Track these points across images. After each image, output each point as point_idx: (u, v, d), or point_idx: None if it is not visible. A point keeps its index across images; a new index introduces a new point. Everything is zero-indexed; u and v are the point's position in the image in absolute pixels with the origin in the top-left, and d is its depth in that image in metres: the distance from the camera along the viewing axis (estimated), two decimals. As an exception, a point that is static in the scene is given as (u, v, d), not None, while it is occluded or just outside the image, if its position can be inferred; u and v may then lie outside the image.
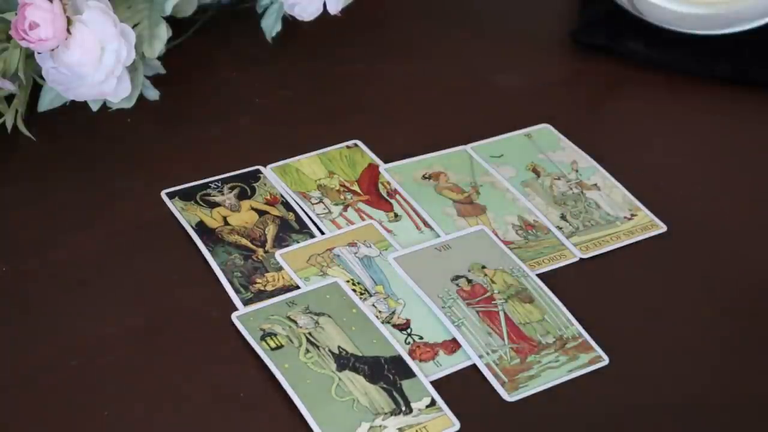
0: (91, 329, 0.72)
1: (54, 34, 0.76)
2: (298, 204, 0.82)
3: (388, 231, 0.80)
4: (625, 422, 0.69)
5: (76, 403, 0.68)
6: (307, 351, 0.70)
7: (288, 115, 0.92)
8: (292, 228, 0.80)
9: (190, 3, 0.93)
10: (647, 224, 0.83)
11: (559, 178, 0.86)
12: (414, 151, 0.88)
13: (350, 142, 0.88)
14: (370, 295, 0.75)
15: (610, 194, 0.85)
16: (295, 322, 0.72)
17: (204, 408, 0.68)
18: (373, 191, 0.84)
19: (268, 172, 0.85)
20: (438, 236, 0.80)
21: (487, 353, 0.72)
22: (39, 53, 0.79)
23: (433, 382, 0.70)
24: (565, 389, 0.71)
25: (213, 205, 0.81)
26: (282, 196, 0.83)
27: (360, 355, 0.70)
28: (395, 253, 0.78)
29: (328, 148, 0.88)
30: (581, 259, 0.80)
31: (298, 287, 0.75)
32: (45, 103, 0.85)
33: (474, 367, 0.71)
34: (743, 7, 0.94)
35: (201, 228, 0.79)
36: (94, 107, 0.86)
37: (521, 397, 0.70)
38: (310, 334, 0.71)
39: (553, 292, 0.76)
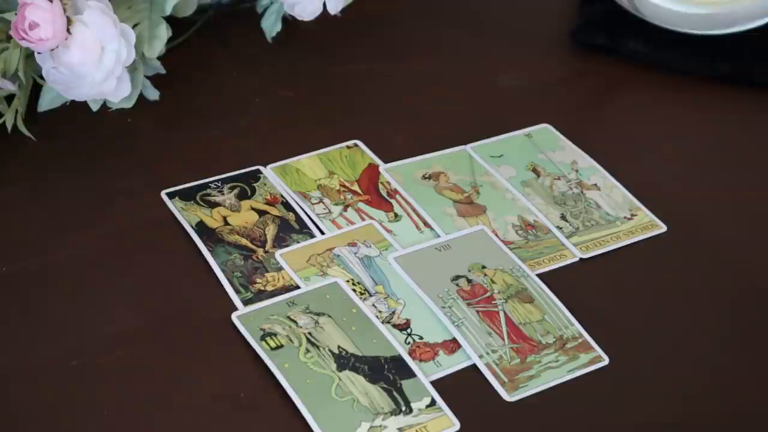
0: (91, 329, 0.72)
1: (54, 34, 0.76)
2: (298, 204, 0.82)
3: (388, 231, 0.80)
4: (625, 422, 0.69)
5: (76, 403, 0.68)
6: (307, 351, 0.70)
7: (288, 115, 0.92)
8: (292, 228, 0.80)
9: (190, 3, 0.93)
10: (647, 224, 0.83)
11: (559, 178, 0.86)
12: (414, 151, 0.88)
13: (350, 142, 0.88)
14: (370, 295, 0.75)
15: (610, 194, 0.85)
16: (295, 322, 0.72)
17: (204, 408, 0.68)
18: (373, 191, 0.84)
19: (268, 172, 0.85)
20: (438, 236, 0.80)
21: (487, 353, 0.72)
22: (39, 53, 0.79)
23: (433, 382, 0.70)
24: (565, 389, 0.71)
25: (213, 205, 0.81)
26: (282, 196, 0.83)
27: (360, 355, 0.70)
28: (395, 253, 0.78)
29: (328, 148, 0.88)
30: (581, 259, 0.80)
31: (298, 287, 0.75)
32: (45, 103, 0.85)
33: (474, 367, 0.71)
34: (743, 7, 0.94)
35: (201, 228, 0.79)
36: (94, 107, 0.86)
37: (521, 397, 0.70)
38: (310, 333, 0.71)
39: (553, 292, 0.76)
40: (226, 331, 0.72)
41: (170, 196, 0.82)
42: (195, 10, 0.94)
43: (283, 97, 0.94)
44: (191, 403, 0.68)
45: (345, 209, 0.82)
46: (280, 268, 0.77)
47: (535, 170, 0.87)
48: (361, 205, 0.83)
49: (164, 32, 0.87)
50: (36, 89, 0.85)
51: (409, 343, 0.72)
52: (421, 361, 0.71)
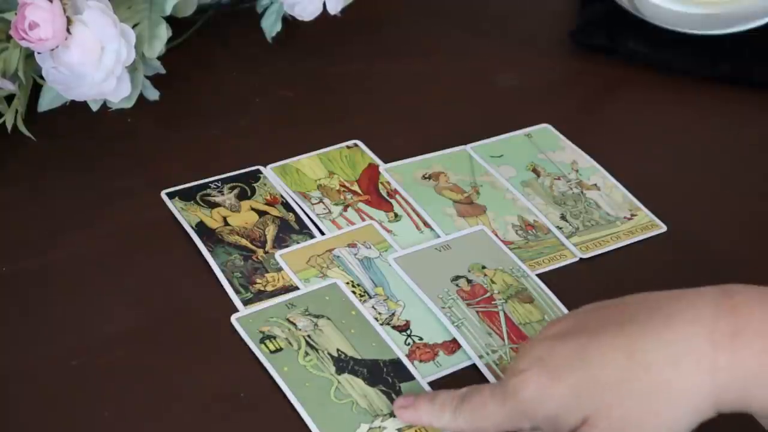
0: (91, 329, 0.72)
1: (54, 34, 0.76)
2: (297, 204, 0.82)
3: (388, 231, 0.80)
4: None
5: (76, 403, 0.68)
6: (306, 354, 0.70)
7: (288, 115, 0.92)
8: (292, 228, 0.80)
9: (190, 3, 0.93)
10: (647, 224, 0.83)
11: (559, 178, 0.87)
12: (414, 151, 0.88)
13: (350, 142, 0.88)
14: (370, 297, 0.75)
15: (610, 194, 0.86)
16: (294, 324, 0.72)
17: (204, 408, 0.68)
18: (373, 191, 0.84)
19: (268, 172, 0.85)
20: (438, 236, 0.80)
21: (487, 353, 0.72)
22: (39, 53, 0.79)
23: (433, 383, 0.70)
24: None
25: (213, 205, 0.81)
26: (282, 196, 0.83)
27: (359, 358, 0.70)
28: (395, 253, 0.78)
29: (328, 148, 0.88)
30: (581, 259, 0.80)
31: (297, 288, 0.75)
32: (45, 103, 0.85)
33: (474, 367, 0.71)
34: (743, 7, 0.94)
35: (201, 228, 0.79)
36: (94, 107, 0.86)
37: (521, 398, 0.70)
38: (309, 336, 0.71)
39: (553, 292, 0.76)
40: (226, 331, 0.72)
41: (170, 196, 0.82)
42: (195, 10, 0.94)
43: (283, 97, 0.94)
44: (191, 403, 0.68)
45: (345, 209, 0.82)
46: (280, 269, 0.77)
47: (535, 170, 0.87)
48: (361, 205, 0.83)
49: (164, 32, 0.87)
50: (36, 89, 0.85)
51: (409, 344, 0.72)
52: (420, 361, 0.71)
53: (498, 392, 0.61)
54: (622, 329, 0.58)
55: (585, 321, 0.60)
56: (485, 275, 0.77)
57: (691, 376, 0.55)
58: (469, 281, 0.76)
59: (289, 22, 0.98)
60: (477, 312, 0.74)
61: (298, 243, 0.79)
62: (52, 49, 0.78)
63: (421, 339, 0.72)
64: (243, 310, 0.73)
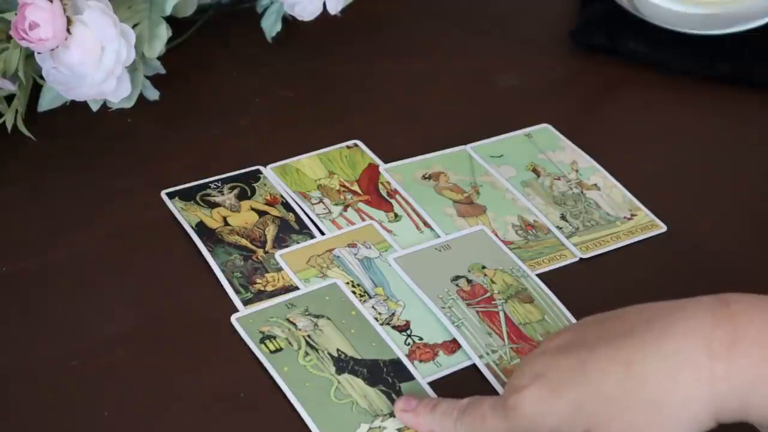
0: (91, 329, 0.72)
1: (54, 34, 0.76)
2: (297, 204, 0.82)
3: (388, 231, 0.80)
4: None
5: (76, 403, 0.68)
6: (306, 354, 0.70)
7: (288, 115, 0.92)
8: (292, 228, 0.80)
9: (190, 3, 0.93)
10: (647, 224, 0.83)
11: (559, 178, 0.87)
12: (414, 151, 0.88)
13: (350, 142, 0.88)
14: (370, 297, 0.75)
15: (610, 194, 0.86)
16: (294, 324, 0.72)
17: (204, 408, 0.68)
18: (373, 191, 0.84)
19: (268, 172, 0.85)
20: (438, 236, 0.80)
21: (487, 353, 0.72)
22: (39, 53, 0.79)
23: (433, 383, 0.70)
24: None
25: (213, 205, 0.81)
26: (282, 196, 0.83)
27: (359, 358, 0.70)
28: (395, 253, 0.78)
29: (328, 148, 0.88)
30: (581, 259, 0.80)
31: (297, 288, 0.75)
32: (45, 103, 0.85)
33: (474, 367, 0.71)
34: (743, 7, 0.94)
35: (201, 228, 0.79)
36: (94, 107, 0.86)
37: (521, 398, 0.70)
38: (309, 336, 0.71)
39: (553, 292, 0.76)
40: (226, 331, 0.72)
41: (170, 196, 0.82)
42: (195, 10, 0.94)
43: (283, 97, 0.94)
44: (191, 403, 0.68)
45: (345, 209, 0.82)
46: (280, 269, 0.77)
47: (535, 170, 0.87)
48: (361, 205, 0.83)
49: (164, 32, 0.87)
50: (36, 89, 0.85)
51: (409, 344, 0.72)
52: (420, 361, 0.71)
53: (499, 407, 0.61)
54: (620, 342, 0.58)
55: (584, 334, 0.60)
56: (485, 275, 0.77)
57: (690, 387, 0.55)
58: (469, 281, 0.76)
59: (289, 22, 0.98)
60: (477, 312, 0.74)
61: (298, 243, 0.79)
62: (52, 49, 0.78)
63: (421, 339, 0.72)
64: (243, 310, 0.73)
